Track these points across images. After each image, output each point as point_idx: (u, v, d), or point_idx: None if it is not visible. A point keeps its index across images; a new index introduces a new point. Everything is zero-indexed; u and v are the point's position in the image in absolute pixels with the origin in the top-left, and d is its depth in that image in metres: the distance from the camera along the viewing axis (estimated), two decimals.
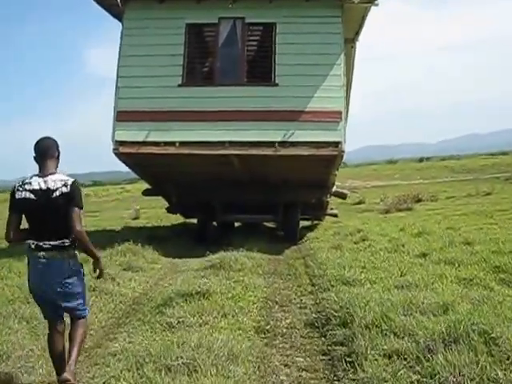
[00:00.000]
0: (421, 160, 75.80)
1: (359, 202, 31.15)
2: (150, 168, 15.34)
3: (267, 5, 14.25)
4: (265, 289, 9.46)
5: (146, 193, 17.83)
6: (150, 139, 13.88)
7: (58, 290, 5.34)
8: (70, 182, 5.35)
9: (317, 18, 14.18)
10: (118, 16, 14.93)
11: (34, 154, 5.50)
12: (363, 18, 15.18)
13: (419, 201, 28.65)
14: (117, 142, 13.98)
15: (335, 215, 19.28)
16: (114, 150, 14.07)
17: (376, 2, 13.83)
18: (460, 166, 56.78)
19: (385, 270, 9.52)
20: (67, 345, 5.52)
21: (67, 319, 5.68)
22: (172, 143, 13.80)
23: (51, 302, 5.42)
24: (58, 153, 5.58)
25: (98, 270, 5.59)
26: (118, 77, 14.27)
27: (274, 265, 12.11)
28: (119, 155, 14.28)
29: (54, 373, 5.50)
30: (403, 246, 12.09)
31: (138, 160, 14.61)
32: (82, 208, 5.38)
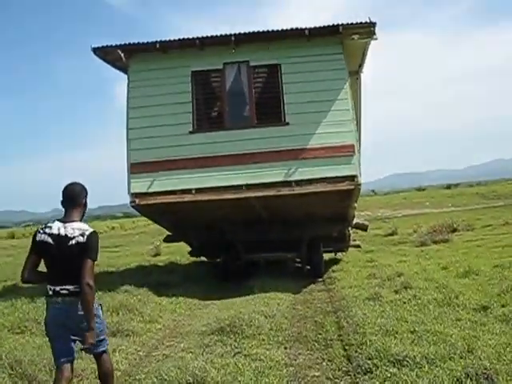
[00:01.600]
0: (448, 187, 75.81)
1: (392, 233, 30.49)
2: (169, 216, 15.63)
3: (270, 47, 14.65)
4: (285, 369, 7.45)
5: (167, 239, 18.07)
6: (165, 189, 14.17)
7: (77, 332, 5.49)
8: (87, 233, 5.49)
9: (320, 56, 14.54)
10: (124, 69, 15.28)
11: (61, 199, 5.67)
12: (364, 52, 15.48)
13: (454, 230, 27.76)
14: (133, 194, 14.27)
15: (358, 246, 19.45)
16: (131, 202, 14.38)
17: (375, 37, 14.21)
18: (490, 192, 57.11)
19: (443, 341, 7.56)
20: None
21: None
22: (188, 191, 14.09)
23: (67, 341, 5.56)
24: (86, 201, 5.76)
25: (86, 343, 5.49)
26: (127, 129, 14.61)
27: (299, 325, 10.20)
28: (136, 207, 14.59)
29: None
30: (456, 297, 10.41)
31: (156, 210, 14.86)
32: (95, 260, 5.51)
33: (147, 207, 14.58)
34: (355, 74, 17.00)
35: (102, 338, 5.79)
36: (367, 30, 14.20)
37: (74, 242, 5.45)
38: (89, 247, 5.48)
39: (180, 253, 23.70)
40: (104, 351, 5.91)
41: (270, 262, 16.37)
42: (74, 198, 5.70)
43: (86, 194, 5.80)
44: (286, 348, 8.54)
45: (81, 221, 5.69)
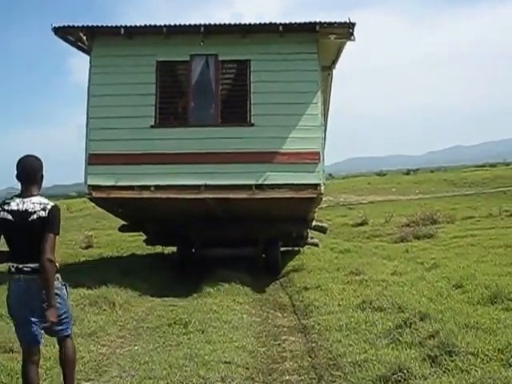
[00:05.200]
0: (408, 172, 76.88)
1: (362, 223, 30.19)
2: (126, 210, 15.85)
3: (241, 41, 14.49)
4: None
5: (122, 229, 18.11)
6: (123, 183, 14.23)
7: (39, 311, 5.53)
8: (49, 207, 5.54)
9: (292, 55, 14.49)
10: (87, 51, 15.08)
11: (16, 173, 5.68)
12: (339, 51, 15.57)
13: (434, 222, 27.21)
14: (89, 186, 14.32)
15: (316, 245, 19.58)
16: (87, 194, 14.50)
17: (352, 38, 14.20)
18: (460, 180, 58.09)
19: None
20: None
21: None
22: (147, 187, 14.16)
23: (31, 325, 5.60)
24: (42, 174, 5.75)
25: (47, 320, 5.54)
26: (88, 117, 14.57)
27: None
28: (93, 200, 14.77)
29: None
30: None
31: (113, 203, 15.07)
32: (57, 234, 5.54)
33: (104, 200, 14.77)
34: (328, 69, 17.17)
35: (64, 318, 5.84)
36: (345, 30, 14.18)
37: (35, 216, 5.50)
38: (51, 221, 5.52)
39: (114, 246, 23.50)
40: (67, 336, 5.98)
41: (228, 258, 16.50)
42: (31, 173, 5.72)
43: (42, 167, 5.81)
44: None
45: (39, 195, 5.72)
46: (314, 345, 8.93)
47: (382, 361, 7.27)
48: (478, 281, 11.48)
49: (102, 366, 7.92)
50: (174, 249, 18.58)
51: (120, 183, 14.23)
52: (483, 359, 6.89)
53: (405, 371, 6.76)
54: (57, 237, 5.60)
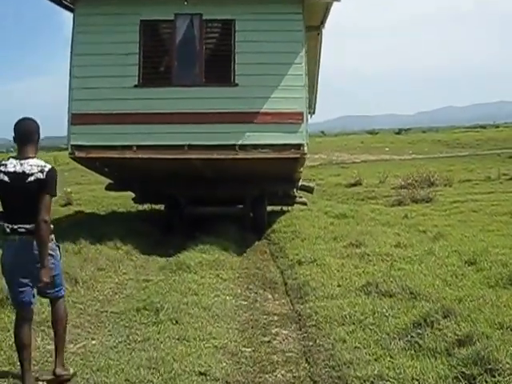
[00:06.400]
0: (399, 132, 74.71)
1: (356, 183, 27.52)
2: (110, 170, 15.22)
3: (226, 0, 13.69)
4: None
5: (109, 188, 17.37)
6: (106, 143, 13.38)
7: (33, 272, 5.31)
8: (46, 169, 5.35)
9: (277, 15, 13.60)
10: (71, 9, 14.09)
11: (13, 135, 5.48)
12: (327, 10, 14.58)
13: (431, 185, 24.58)
14: (72, 146, 13.50)
15: (304, 203, 18.58)
16: (69, 154, 13.69)
17: None
18: (453, 140, 55.35)
19: None
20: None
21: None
22: (129, 147, 13.31)
23: (24, 285, 5.39)
24: (38, 136, 5.55)
25: (40, 280, 5.36)
26: (71, 77, 13.65)
27: None
28: (76, 159, 13.99)
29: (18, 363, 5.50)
30: None
31: (96, 163, 14.34)
32: (54, 196, 5.40)
33: (87, 160, 14.00)
34: (316, 29, 16.02)
35: (57, 280, 5.68)
36: None
37: (32, 178, 5.31)
38: (48, 183, 5.35)
39: (95, 203, 21.51)
40: (60, 297, 5.83)
41: (216, 216, 15.66)
42: (27, 135, 5.51)
43: (39, 128, 5.61)
44: None
45: (36, 157, 5.51)
46: (311, 344, 6.73)
47: (402, 378, 5.20)
48: (492, 256, 9.72)
49: (43, 374, 5.91)
50: (160, 207, 17.92)
51: (102, 143, 13.38)
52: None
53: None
54: (52, 198, 5.45)
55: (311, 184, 20.11)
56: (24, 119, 5.54)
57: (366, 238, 12.15)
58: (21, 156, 5.40)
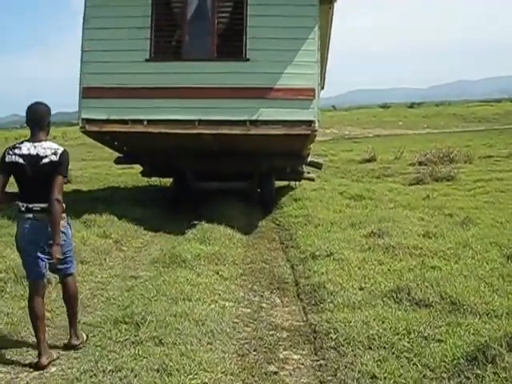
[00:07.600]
0: (411, 105, 70.51)
1: (370, 159, 25.00)
2: (120, 143, 14.39)
3: None
4: None
5: (117, 161, 16.46)
6: (117, 117, 12.55)
7: (46, 248, 5.25)
8: (59, 151, 5.31)
9: None
10: None
11: (26, 119, 5.47)
12: None
13: (451, 161, 21.89)
14: (83, 119, 12.76)
15: (312, 179, 17.67)
16: (80, 128, 12.98)
17: None
18: (470, 114, 52.12)
19: None
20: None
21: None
22: (140, 121, 12.50)
23: (38, 260, 5.27)
24: (49, 121, 5.51)
25: (53, 258, 5.29)
26: (82, 51, 12.87)
27: None
28: (86, 133, 13.27)
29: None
30: None
31: (107, 137, 13.52)
32: (66, 177, 5.35)
33: (97, 134, 13.30)
34: (328, 2, 14.61)
35: (68, 257, 5.59)
36: None
37: (47, 160, 5.23)
38: (62, 165, 5.29)
39: (97, 180, 19.57)
40: (71, 274, 5.71)
41: (223, 191, 14.94)
42: (39, 120, 5.42)
43: (50, 113, 5.55)
44: None
45: (49, 140, 5.48)
46: (329, 378, 4.80)
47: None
48: None
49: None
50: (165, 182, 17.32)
51: (113, 117, 12.55)
52: None
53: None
54: (64, 179, 5.40)
55: (320, 160, 19.26)
56: (36, 104, 5.51)
57: (388, 225, 10.18)
58: (34, 139, 5.38)
